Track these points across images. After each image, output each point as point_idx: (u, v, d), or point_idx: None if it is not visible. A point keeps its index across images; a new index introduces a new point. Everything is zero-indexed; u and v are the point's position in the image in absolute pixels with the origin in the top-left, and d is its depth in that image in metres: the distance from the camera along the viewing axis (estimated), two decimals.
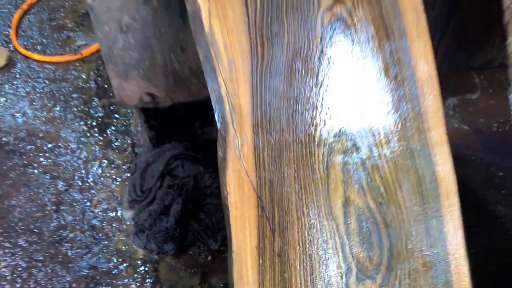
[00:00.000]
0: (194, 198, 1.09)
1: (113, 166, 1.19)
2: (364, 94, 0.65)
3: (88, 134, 1.25)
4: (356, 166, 0.64)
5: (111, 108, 1.30)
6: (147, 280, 1.00)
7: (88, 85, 1.36)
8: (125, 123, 1.27)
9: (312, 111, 0.65)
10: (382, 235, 0.64)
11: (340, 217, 0.63)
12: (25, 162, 1.19)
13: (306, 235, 0.63)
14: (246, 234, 0.62)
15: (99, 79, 1.37)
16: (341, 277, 0.63)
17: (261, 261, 0.62)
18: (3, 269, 0.99)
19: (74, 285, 0.97)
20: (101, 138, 1.25)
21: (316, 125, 0.64)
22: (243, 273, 0.62)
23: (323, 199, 0.63)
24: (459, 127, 1.24)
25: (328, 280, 0.62)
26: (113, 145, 1.24)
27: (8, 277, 0.98)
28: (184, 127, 1.13)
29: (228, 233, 0.62)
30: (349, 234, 0.63)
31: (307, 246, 0.63)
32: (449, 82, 1.04)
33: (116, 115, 1.30)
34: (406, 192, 0.64)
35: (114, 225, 1.08)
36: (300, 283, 0.62)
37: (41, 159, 1.20)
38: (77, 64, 1.42)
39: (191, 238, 1.07)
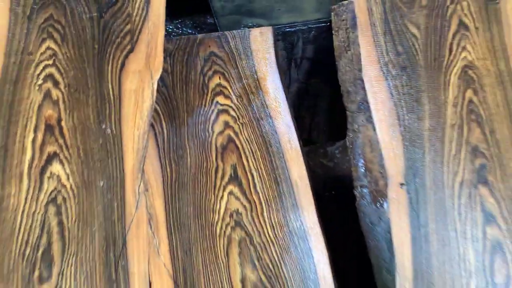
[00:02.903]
0: None
1: None
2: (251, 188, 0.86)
3: None
4: (249, 250, 0.85)
5: None
6: None
7: None
8: None
9: (214, 212, 0.85)
10: None
11: None
12: None
13: None
14: None
15: None
16: None
17: None
18: None
19: None
20: None
21: (216, 223, 0.85)
22: None
23: (226, 278, 0.84)
24: None
25: None
26: None
27: None
28: None
29: None
30: None
31: None
32: None
33: None
34: (290, 269, 0.86)
35: None
36: None
37: None
38: None
39: None
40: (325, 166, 1.57)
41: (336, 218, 1.24)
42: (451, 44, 0.92)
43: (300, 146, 0.88)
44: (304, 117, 1.12)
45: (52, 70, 0.81)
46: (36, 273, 0.80)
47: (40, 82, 0.81)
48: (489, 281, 0.88)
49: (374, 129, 0.87)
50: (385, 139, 0.87)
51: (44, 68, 0.81)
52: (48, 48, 0.81)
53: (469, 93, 0.92)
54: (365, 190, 0.89)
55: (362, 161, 0.89)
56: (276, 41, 0.91)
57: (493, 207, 0.90)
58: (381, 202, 0.86)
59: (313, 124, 1.15)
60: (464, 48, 0.92)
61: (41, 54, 0.81)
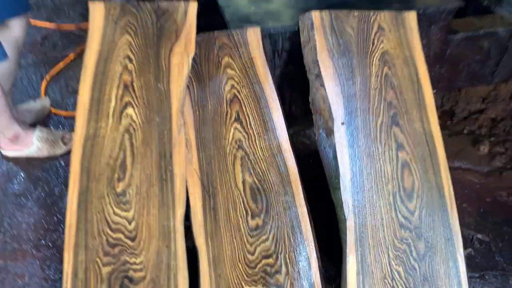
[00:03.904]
0: None
1: None
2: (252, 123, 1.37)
3: None
4: (247, 163, 1.35)
5: None
6: None
7: None
8: None
9: (225, 139, 1.36)
10: (262, 196, 1.34)
11: (241, 188, 1.34)
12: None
13: (226, 197, 1.33)
14: (196, 200, 1.32)
15: None
16: (243, 216, 1.33)
17: (203, 211, 1.31)
18: None
19: None
20: None
21: (226, 146, 1.36)
22: (195, 218, 1.31)
23: (232, 180, 1.34)
24: None
25: (236, 218, 1.32)
26: None
27: None
28: None
29: (189, 201, 1.32)
30: (246, 196, 1.34)
31: (226, 203, 1.33)
32: None
33: None
34: (273, 176, 1.36)
35: None
36: (224, 220, 1.31)
37: None
38: None
39: None
40: (305, 143, 2.09)
41: (312, 183, 1.73)
42: (373, 39, 1.46)
43: (279, 101, 1.40)
44: (285, 95, 1.65)
45: (128, 52, 1.35)
46: (116, 175, 1.30)
47: (121, 59, 1.34)
48: (400, 185, 1.38)
49: (325, 90, 1.39)
50: (332, 96, 1.39)
51: (123, 51, 1.35)
52: (127, 39, 1.35)
53: (385, 69, 1.45)
54: (321, 129, 1.41)
55: (318, 109, 1.41)
56: (263, 37, 1.45)
57: (402, 140, 1.41)
58: (330, 134, 1.38)
59: (292, 99, 1.67)
60: (382, 41, 1.47)
61: (122, 43, 1.35)
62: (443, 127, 2.23)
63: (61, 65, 2.37)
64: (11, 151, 1.89)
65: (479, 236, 1.74)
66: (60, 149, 1.92)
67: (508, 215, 1.82)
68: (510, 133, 2.15)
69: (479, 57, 1.78)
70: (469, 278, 1.54)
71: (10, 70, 1.76)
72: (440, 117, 2.30)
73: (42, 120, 2.09)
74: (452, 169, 2.00)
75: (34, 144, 1.88)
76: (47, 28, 2.64)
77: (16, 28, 1.70)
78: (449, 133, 2.19)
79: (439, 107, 2.34)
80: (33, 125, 1.98)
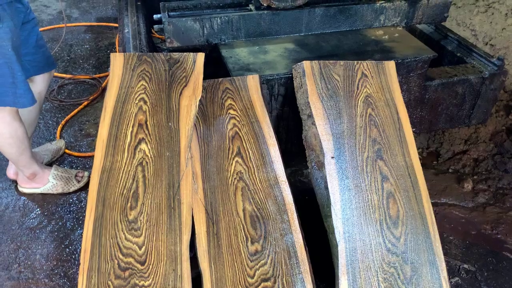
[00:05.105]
0: None
1: None
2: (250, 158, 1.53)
3: None
4: (247, 193, 1.50)
5: None
6: None
7: None
8: None
9: (227, 171, 1.52)
10: (261, 223, 1.48)
11: (242, 215, 1.48)
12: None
13: (228, 224, 1.46)
14: (201, 226, 1.45)
15: None
16: (244, 241, 1.45)
17: (207, 237, 1.44)
18: None
19: None
20: None
21: (229, 177, 1.51)
22: (200, 243, 1.43)
23: (234, 208, 1.48)
24: None
25: (237, 243, 1.45)
26: None
27: None
28: None
29: (194, 228, 1.45)
30: (246, 223, 1.47)
31: (228, 229, 1.46)
32: None
33: None
34: (271, 205, 1.50)
35: None
36: (226, 245, 1.44)
37: None
38: None
39: None
40: (302, 181, 2.25)
41: (308, 216, 1.87)
42: (358, 84, 1.66)
43: (276, 137, 1.58)
44: (281, 133, 1.83)
45: (143, 95, 1.54)
46: (128, 204, 1.44)
47: (136, 101, 1.54)
48: (386, 213, 1.52)
49: (316, 128, 1.57)
50: (322, 134, 1.57)
51: (139, 95, 1.54)
52: (142, 84, 1.55)
53: (369, 110, 1.64)
54: (313, 162, 1.57)
55: (311, 145, 1.58)
56: (261, 83, 1.65)
57: (387, 172, 1.57)
58: (321, 167, 1.54)
59: (288, 138, 1.85)
60: (365, 86, 1.67)
61: (138, 87, 1.55)
62: (429, 166, 2.40)
63: (75, 111, 2.57)
64: (28, 188, 2.04)
65: (466, 266, 1.85)
66: (74, 186, 2.07)
67: (492, 247, 1.93)
68: (491, 171, 2.31)
69: (456, 101, 1.98)
70: None
71: (33, 118, 1.96)
72: (427, 158, 2.47)
73: (57, 160, 2.25)
74: (438, 205, 2.15)
75: (49, 182, 2.02)
76: (63, 78, 2.88)
77: (40, 82, 1.91)
78: (435, 172, 2.35)
79: (425, 148, 2.53)
80: (49, 165, 2.14)
